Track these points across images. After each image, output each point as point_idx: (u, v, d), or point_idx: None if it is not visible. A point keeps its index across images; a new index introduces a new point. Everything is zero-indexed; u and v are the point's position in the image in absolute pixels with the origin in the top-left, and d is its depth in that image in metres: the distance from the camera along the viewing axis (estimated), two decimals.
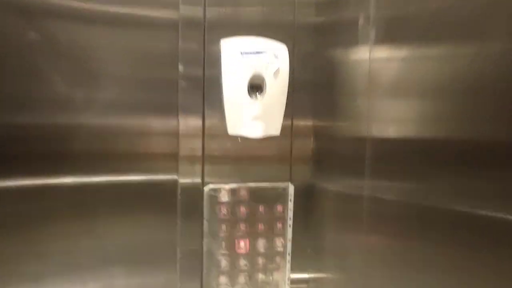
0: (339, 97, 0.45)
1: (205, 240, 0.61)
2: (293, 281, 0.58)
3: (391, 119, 0.33)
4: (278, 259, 0.64)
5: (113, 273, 0.45)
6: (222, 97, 0.49)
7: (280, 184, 0.62)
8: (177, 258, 0.52)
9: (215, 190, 0.59)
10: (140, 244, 0.47)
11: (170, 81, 0.47)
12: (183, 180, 0.53)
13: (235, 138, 0.51)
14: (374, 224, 0.37)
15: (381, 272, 0.36)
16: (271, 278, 0.64)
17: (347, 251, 0.47)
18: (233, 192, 0.60)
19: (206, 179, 0.54)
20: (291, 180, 0.59)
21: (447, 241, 0.25)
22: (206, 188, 0.59)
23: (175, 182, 0.51)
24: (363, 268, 0.40)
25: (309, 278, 0.60)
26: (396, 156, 0.32)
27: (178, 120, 0.48)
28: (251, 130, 0.50)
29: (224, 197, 0.60)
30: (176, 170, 0.51)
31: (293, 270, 0.57)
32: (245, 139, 0.50)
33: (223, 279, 0.63)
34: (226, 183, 0.60)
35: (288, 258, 0.64)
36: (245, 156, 0.55)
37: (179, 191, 0.58)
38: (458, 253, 0.24)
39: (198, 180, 0.54)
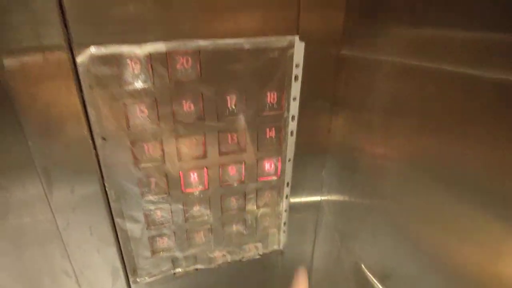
0: None
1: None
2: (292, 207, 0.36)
3: None
4: (267, 198, 0.33)
5: None
6: None
7: (273, 41, 0.26)
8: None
9: (105, 59, 0.22)
10: None
11: None
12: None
13: None
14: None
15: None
16: (249, 234, 0.34)
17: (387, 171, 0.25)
18: (156, 60, 0.24)
19: (76, 35, 0.22)
20: (298, 31, 0.28)
21: None
22: (80, 58, 0.22)
23: None
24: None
25: (319, 201, 0.37)
26: None
27: None
28: None
29: (135, 76, 0.24)
30: None
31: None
32: None
33: (164, 242, 0.31)
34: (137, 41, 0.24)
35: (287, 191, 0.33)
36: None
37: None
38: None
39: (57, 39, 0.22)
